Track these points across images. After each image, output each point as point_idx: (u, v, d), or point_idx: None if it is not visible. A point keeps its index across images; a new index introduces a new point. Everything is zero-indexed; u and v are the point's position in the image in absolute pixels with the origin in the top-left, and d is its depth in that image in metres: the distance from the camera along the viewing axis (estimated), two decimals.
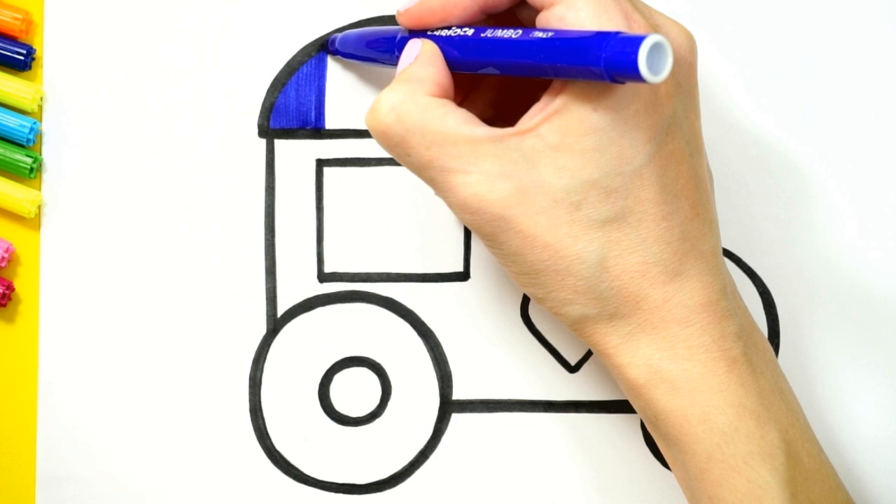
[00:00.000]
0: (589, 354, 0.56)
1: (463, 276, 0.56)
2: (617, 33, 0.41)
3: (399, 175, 0.56)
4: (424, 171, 0.45)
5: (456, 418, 0.56)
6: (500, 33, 0.45)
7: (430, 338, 0.56)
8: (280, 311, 0.56)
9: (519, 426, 0.56)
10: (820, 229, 0.56)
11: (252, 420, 0.56)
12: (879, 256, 0.56)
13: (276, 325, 0.56)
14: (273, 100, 0.56)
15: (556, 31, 0.43)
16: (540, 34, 0.43)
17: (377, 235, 0.56)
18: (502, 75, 0.47)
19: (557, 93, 0.44)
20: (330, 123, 0.55)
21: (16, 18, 0.55)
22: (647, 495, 0.56)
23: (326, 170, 0.56)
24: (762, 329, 0.55)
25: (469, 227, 0.46)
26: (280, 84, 0.56)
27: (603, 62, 0.41)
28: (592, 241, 0.45)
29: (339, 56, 0.55)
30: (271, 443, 0.56)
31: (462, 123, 0.45)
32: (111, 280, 0.55)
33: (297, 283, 0.56)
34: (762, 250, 0.56)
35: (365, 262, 0.56)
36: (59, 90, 0.56)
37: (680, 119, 0.45)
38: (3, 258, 0.55)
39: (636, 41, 0.40)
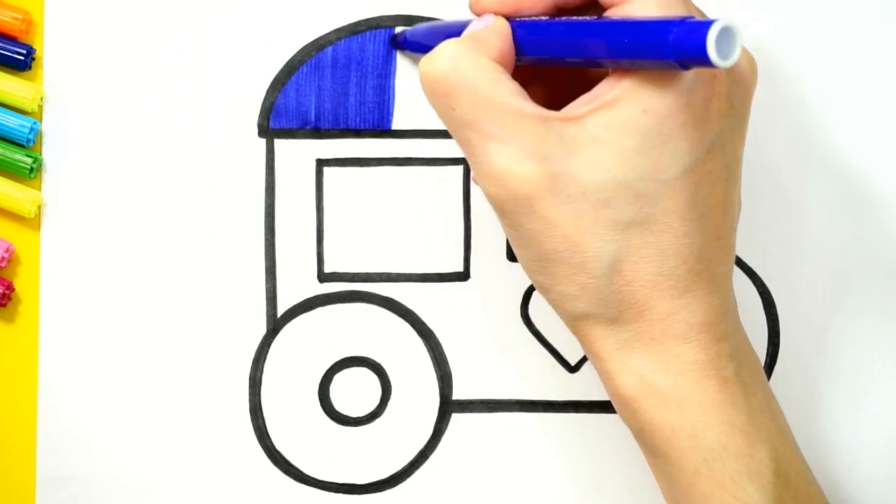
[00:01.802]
0: None
1: (463, 276, 0.56)
2: (686, 17, 0.40)
3: (399, 175, 0.56)
4: (463, 131, 0.45)
5: (456, 418, 0.56)
6: (565, 20, 0.45)
7: (430, 338, 0.56)
8: (280, 311, 0.56)
9: (519, 426, 0.56)
10: (820, 229, 0.56)
11: (252, 420, 0.56)
12: (880, 256, 0.56)
13: (276, 325, 0.56)
14: (273, 100, 0.56)
15: (622, 19, 0.43)
16: (602, 19, 0.43)
17: (377, 235, 0.56)
18: (560, 68, 0.46)
19: (611, 87, 0.44)
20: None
21: (16, 18, 0.55)
22: (646, 495, 0.56)
23: (326, 170, 0.56)
24: (762, 329, 0.55)
25: (490, 201, 0.45)
26: (280, 84, 0.56)
27: (671, 44, 0.40)
28: (612, 242, 0.44)
29: (408, 51, 0.54)
30: (271, 443, 0.56)
31: (513, 94, 0.44)
32: (111, 280, 0.55)
33: (297, 283, 0.56)
34: (762, 251, 0.56)
35: (365, 262, 0.56)
36: (59, 90, 0.56)
37: (725, 140, 0.45)
38: (3, 258, 0.55)
39: (706, 24, 0.39)
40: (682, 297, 0.45)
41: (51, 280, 0.55)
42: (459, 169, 0.56)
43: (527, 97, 0.44)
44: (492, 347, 0.56)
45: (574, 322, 0.46)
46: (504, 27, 0.46)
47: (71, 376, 0.55)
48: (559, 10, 0.47)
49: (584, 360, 0.56)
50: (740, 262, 0.55)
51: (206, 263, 0.56)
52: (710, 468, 0.45)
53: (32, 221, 0.56)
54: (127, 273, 0.55)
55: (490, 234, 0.56)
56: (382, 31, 0.56)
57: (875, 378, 0.56)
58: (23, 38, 0.55)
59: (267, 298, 0.56)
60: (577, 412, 0.56)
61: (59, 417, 0.55)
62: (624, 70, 0.43)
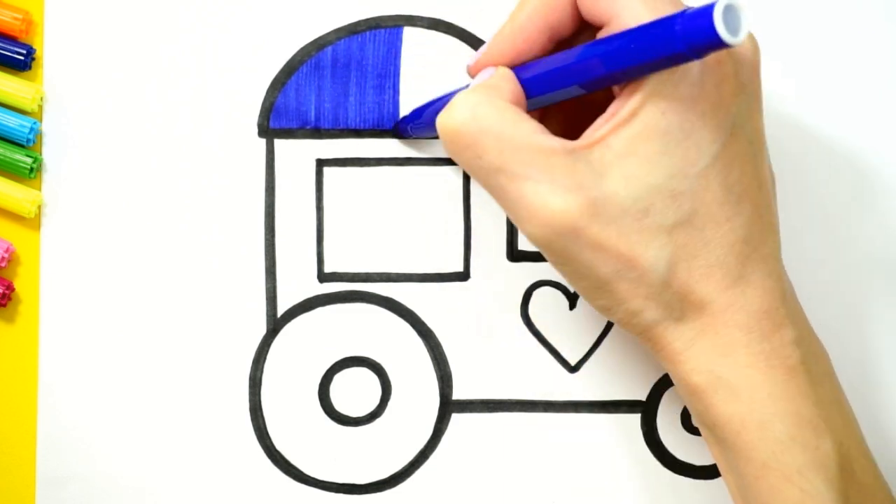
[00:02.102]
0: (589, 354, 0.56)
1: (463, 276, 0.56)
2: (685, 10, 0.41)
3: (399, 175, 0.56)
4: (494, 177, 0.45)
5: (456, 418, 0.56)
6: (566, 52, 0.45)
7: (430, 338, 0.56)
8: (280, 311, 0.56)
9: (519, 426, 0.56)
10: (820, 229, 0.56)
11: (252, 420, 0.56)
12: (880, 256, 0.56)
13: (276, 325, 0.56)
14: (273, 100, 0.56)
15: (621, 31, 0.43)
16: (603, 39, 0.44)
17: (377, 235, 0.56)
18: (565, 103, 0.47)
19: (624, 103, 0.44)
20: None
21: (16, 18, 0.55)
22: (646, 495, 0.56)
23: (326, 170, 0.56)
24: None
25: (536, 243, 0.45)
26: (280, 84, 0.56)
27: (679, 35, 0.40)
28: (664, 247, 0.45)
29: (410, 135, 0.55)
30: (271, 443, 0.56)
31: (537, 132, 0.44)
32: (111, 280, 0.55)
33: (297, 283, 0.56)
34: None
35: (365, 262, 0.56)
36: (59, 90, 0.56)
37: (744, 119, 0.45)
38: (3, 258, 0.55)
39: (708, 8, 0.39)
40: (736, 285, 0.45)
41: (51, 280, 0.55)
42: (459, 169, 0.56)
43: (548, 133, 0.45)
44: (492, 347, 0.56)
45: (644, 332, 0.47)
46: (509, 73, 0.47)
47: (71, 376, 0.55)
48: (556, 46, 0.47)
49: (584, 360, 0.56)
50: None
51: (206, 263, 0.56)
52: (778, 461, 0.46)
53: (32, 221, 0.56)
54: (127, 273, 0.55)
55: (490, 234, 0.56)
56: (382, 31, 0.56)
57: (875, 378, 0.56)
58: (23, 38, 0.55)
59: (267, 298, 0.56)
60: (577, 412, 0.56)
61: (59, 417, 0.55)
62: (633, 83, 0.44)
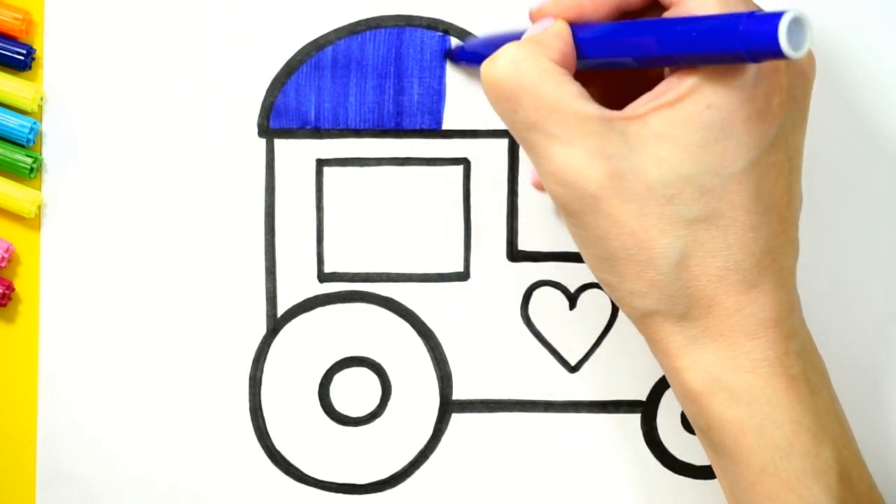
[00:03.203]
0: (589, 354, 0.56)
1: (463, 276, 0.56)
2: (755, 11, 0.41)
3: (399, 175, 0.56)
4: (527, 133, 0.45)
5: (456, 418, 0.56)
6: (629, 22, 0.45)
7: (430, 338, 0.56)
8: (280, 311, 0.56)
9: (519, 426, 0.56)
10: (820, 229, 0.56)
11: (252, 420, 0.56)
12: (880, 256, 0.56)
13: (276, 325, 0.56)
14: (273, 99, 0.56)
15: (687, 18, 0.43)
16: (667, 19, 0.44)
17: (377, 235, 0.56)
18: (617, 70, 0.47)
19: (673, 86, 0.44)
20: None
21: (16, 18, 0.55)
22: (646, 495, 0.56)
23: (326, 170, 0.56)
24: None
25: (556, 201, 0.45)
26: (280, 84, 0.56)
27: (742, 35, 0.40)
28: (679, 238, 0.44)
29: (463, 64, 0.55)
30: (271, 443, 0.56)
31: (576, 96, 0.44)
32: (111, 280, 0.55)
33: (297, 283, 0.56)
34: None
35: (365, 262, 0.56)
36: (59, 90, 0.56)
37: (787, 133, 0.45)
38: (3, 258, 0.55)
39: (777, 15, 0.39)
40: (749, 291, 0.45)
41: (51, 280, 0.55)
42: (459, 169, 0.56)
43: (589, 98, 0.45)
44: (492, 347, 0.56)
45: (642, 319, 0.46)
46: (565, 29, 0.47)
47: (71, 376, 0.55)
48: (621, 15, 0.47)
49: (584, 360, 0.56)
50: None
51: (206, 263, 0.56)
52: (776, 467, 0.45)
53: (32, 221, 0.56)
54: (127, 273, 0.55)
55: (490, 235, 0.56)
56: (382, 30, 0.56)
57: (875, 378, 0.56)
58: (23, 38, 0.55)
59: (267, 298, 0.56)
60: (577, 412, 0.56)
61: (59, 417, 0.55)
62: (685, 69, 0.44)
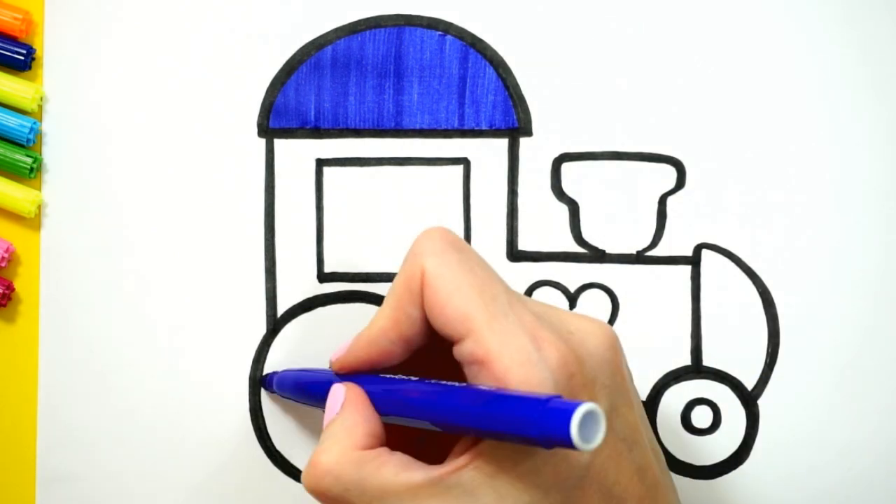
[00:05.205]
0: None
1: None
2: (552, 397, 0.40)
3: (399, 175, 0.56)
4: None
5: None
6: (424, 387, 0.45)
7: None
8: (280, 311, 0.56)
9: None
10: (820, 229, 0.56)
11: (252, 420, 0.56)
12: (880, 256, 0.56)
13: (276, 325, 0.56)
14: (272, 99, 0.56)
15: (479, 389, 0.43)
16: (459, 388, 0.43)
17: (377, 235, 0.56)
18: None
19: None
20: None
21: (16, 18, 0.55)
22: None
23: (326, 169, 0.56)
24: (762, 329, 0.55)
25: None
26: (280, 83, 0.56)
27: (535, 424, 0.39)
28: None
29: (276, 392, 0.54)
30: (271, 443, 0.56)
31: (399, 472, 0.44)
32: (111, 280, 0.55)
33: (297, 283, 0.56)
34: (762, 250, 0.56)
35: (365, 262, 0.56)
36: (59, 90, 0.56)
37: (611, 418, 0.45)
38: (3, 258, 0.55)
39: (570, 409, 0.38)
40: None
41: (51, 280, 0.55)
42: (459, 169, 0.56)
43: (413, 464, 0.44)
44: None
45: None
46: (358, 398, 0.47)
47: (71, 376, 0.55)
48: (413, 352, 0.47)
49: None
50: (740, 263, 0.55)
51: (206, 263, 0.56)
52: None
53: (32, 221, 0.56)
54: (127, 273, 0.55)
55: (490, 234, 0.56)
56: (382, 30, 0.56)
57: (875, 378, 0.56)
58: (23, 38, 0.55)
59: (267, 298, 0.56)
60: None
61: (59, 417, 0.55)
62: None
